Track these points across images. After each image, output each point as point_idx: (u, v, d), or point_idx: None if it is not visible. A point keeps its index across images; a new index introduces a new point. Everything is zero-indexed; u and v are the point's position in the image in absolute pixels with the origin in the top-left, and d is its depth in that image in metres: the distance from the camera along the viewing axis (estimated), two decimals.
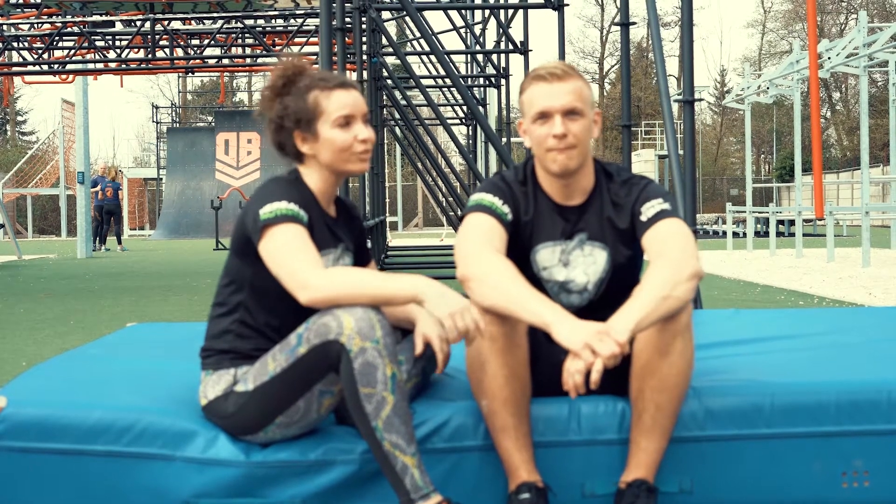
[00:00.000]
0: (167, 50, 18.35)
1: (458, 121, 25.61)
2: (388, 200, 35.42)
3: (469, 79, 20.99)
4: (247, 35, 18.34)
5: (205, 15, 17.13)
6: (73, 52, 18.64)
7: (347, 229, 3.11)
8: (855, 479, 3.03)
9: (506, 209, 3.07)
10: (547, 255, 3.12)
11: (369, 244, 3.25)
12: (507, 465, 2.90)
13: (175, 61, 18.67)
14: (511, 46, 15.55)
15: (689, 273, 2.83)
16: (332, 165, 2.95)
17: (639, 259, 3.17)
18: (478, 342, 2.86)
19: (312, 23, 17.65)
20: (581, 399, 3.04)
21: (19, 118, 63.16)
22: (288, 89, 2.96)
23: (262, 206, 2.83)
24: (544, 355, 3.05)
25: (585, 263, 3.11)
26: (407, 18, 17.36)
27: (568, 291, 3.13)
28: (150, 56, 17.78)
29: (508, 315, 2.80)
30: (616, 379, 3.06)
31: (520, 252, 3.12)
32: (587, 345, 2.63)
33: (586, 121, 3.01)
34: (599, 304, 3.11)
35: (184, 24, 18.42)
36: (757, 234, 28.08)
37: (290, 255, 2.75)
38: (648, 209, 3.03)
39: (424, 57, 20.85)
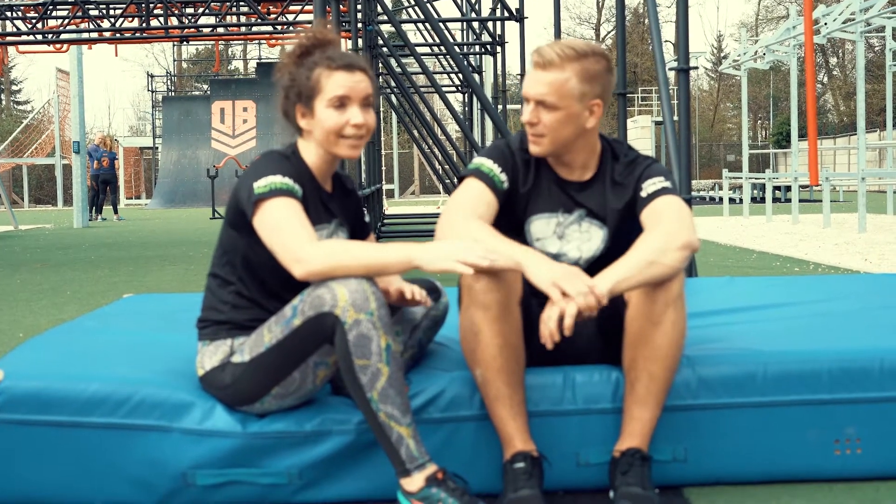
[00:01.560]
0: (161, 19, 18.25)
1: (454, 88, 25.55)
2: (384, 168, 35.38)
3: (465, 46, 20.93)
4: (241, 3, 18.25)
5: None
6: (67, 21, 18.55)
7: (342, 204, 3.11)
8: (847, 446, 3.06)
9: (503, 177, 3.08)
10: (542, 227, 3.14)
11: (367, 216, 3.24)
12: (502, 435, 2.91)
13: (169, 30, 18.55)
14: (506, 14, 15.51)
15: (681, 242, 2.84)
16: (323, 146, 2.95)
17: (635, 237, 3.18)
18: (471, 312, 2.87)
19: None
20: (575, 369, 3.06)
21: (14, 88, 63.03)
22: (302, 60, 2.96)
23: (257, 180, 2.83)
24: (538, 325, 3.07)
25: (580, 240, 3.13)
26: None
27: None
28: (144, 25, 17.70)
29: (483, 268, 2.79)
30: (609, 348, 3.09)
31: (515, 221, 3.14)
32: (555, 283, 2.66)
33: (562, 114, 2.99)
34: (589, 273, 3.13)
35: None
36: (753, 199, 28.08)
37: (284, 228, 2.76)
38: (649, 186, 3.05)
39: (420, 24, 20.78)
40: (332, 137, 2.92)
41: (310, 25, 3.06)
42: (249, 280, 2.94)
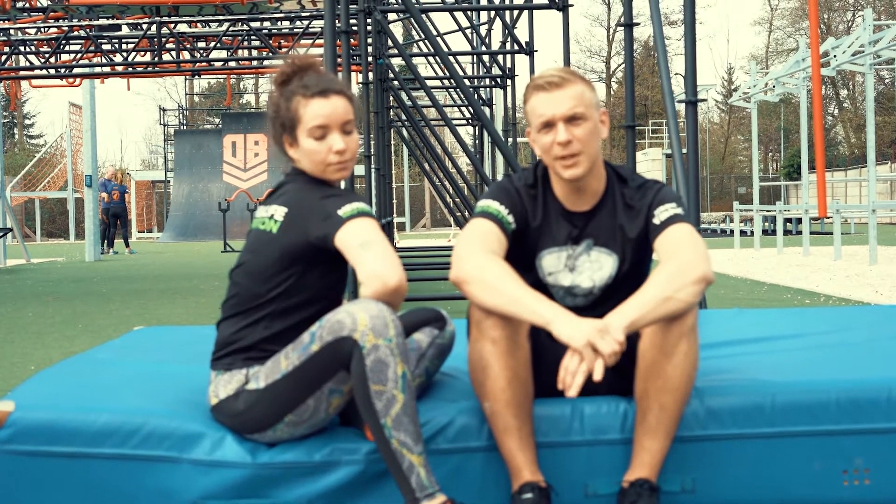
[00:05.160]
0: (173, 53, 18.39)
1: (464, 121, 25.62)
2: (395, 201, 35.44)
3: (475, 79, 21.00)
4: (253, 37, 18.38)
5: (211, 18, 17.16)
6: (79, 55, 18.69)
7: None
8: (856, 476, 3.05)
9: (510, 219, 3.09)
10: (552, 261, 3.15)
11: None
12: (510, 466, 2.92)
13: (181, 64, 18.69)
14: (516, 47, 15.56)
15: (697, 276, 2.85)
16: (312, 174, 2.98)
17: (648, 262, 3.20)
18: (480, 345, 2.89)
19: (318, 25, 17.67)
20: (583, 400, 3.06)
21: (27, 122, 63.32)
22: (283, 88, 2.98)
23: (340, 207, 2.85)
24: (547, 356, 3.07)
25: (591, 269, 3.14)
26: (412, 19, 17.38)
27: (573, 295, 3.16)
28: (156, 59, 17.82)
29: (507, 315, 2.82)
30: (619, 379, 3.09)
31: (525, 258, 3.15)
32: (589, 343, 2.66)
33: (590, 124, 3.02)
34: (604, 303, 3.13)
35: (190, 27, 18.46)
36: (764, 232, 28.07)
37: (379, 243, 2.82)
38: (662, 213, 3.05)
39: (430, 58, 20.86)
40: (318, 166, 2.95)
41: (289, 55, 3.08)
42: (279, 318, 2.93)
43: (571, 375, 2.68)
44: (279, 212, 2.94)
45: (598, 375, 2.66)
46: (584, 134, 3.01)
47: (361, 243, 2.79)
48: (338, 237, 2.82)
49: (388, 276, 2.75)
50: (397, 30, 28.71)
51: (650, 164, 39.80)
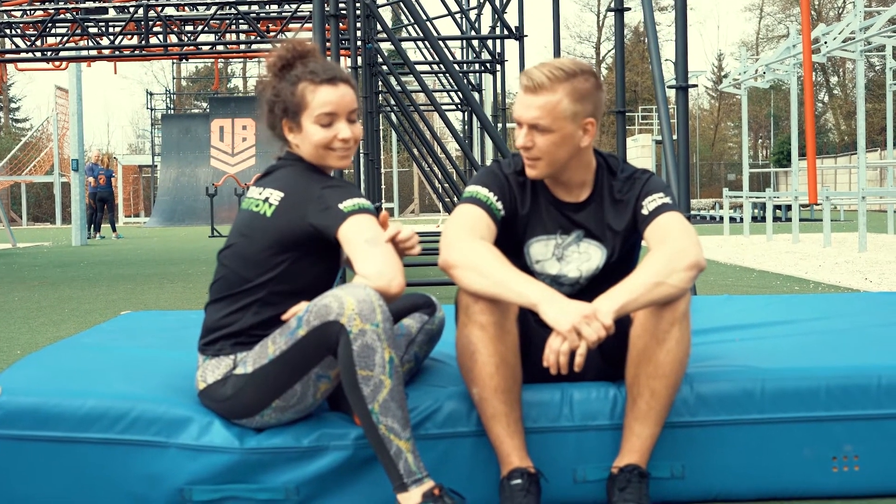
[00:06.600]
0: (161, 36, 18.27)
1: (453, 107, 25.58)
2: (384, 186, 35.41)
3: (465, 64, 20.96)
4: (241, 21, 18.28)
5: (198, 1, 17.07)
6: (66, 38, 18.57)
7: None
8: (845, 463, 3.06)
9: (499, 205, 3.08)
10: (540, 249, 3.14)
11: None
12: (499, 452, 2.91)
13: (169, 48, 18.56)
14: (506, 32, 15.52)
15: (689, 262, 2.84)
16: (312, 160, 2.96)
17: (636, 254, 3.19)
18: (468, 331, 2.88)
19: (307, 8, 17.57)
20: (573, 385, 3.06)
21: (13, 105, 63.01)
22: (284, 73, 2.97)
23: (342, 201, 2.85)
24: (536, 342, 3.06)
25: (580, 260, 3.13)
26: (402, 3, 17.31)
27: (559, 284, 3.14)
28: (143, 43, 17.71)
29: (495, 298, 2.81)
30: (609, 365, 3.08)
31: (513, 245, 3.13)
32: (574, 328, 2.65)
33: (556, 136, 2.98)
34: (590, 293, 3.12)
35: (177, 11, 18.36)
36: (754, 219, 28.11)
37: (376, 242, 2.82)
38: (650, 203, 3.04)
39: (419, 42, 20.81)
40: (321, 152, 2.94)
41: (285, 40, 3.09)
42: (269, 304, 2.91)
43: (555, 354, 2.68)
44: (274, 195, 2.92)
45: (578, 359, 2.65)
46: (545, 144, 2.99)
47: (368, 240, 2.79)
48: (342, 230, 2.81)
49: (392, 280, 2.76)
50: (386, 14, 28.62)
51: (640, 150, 39.76)
